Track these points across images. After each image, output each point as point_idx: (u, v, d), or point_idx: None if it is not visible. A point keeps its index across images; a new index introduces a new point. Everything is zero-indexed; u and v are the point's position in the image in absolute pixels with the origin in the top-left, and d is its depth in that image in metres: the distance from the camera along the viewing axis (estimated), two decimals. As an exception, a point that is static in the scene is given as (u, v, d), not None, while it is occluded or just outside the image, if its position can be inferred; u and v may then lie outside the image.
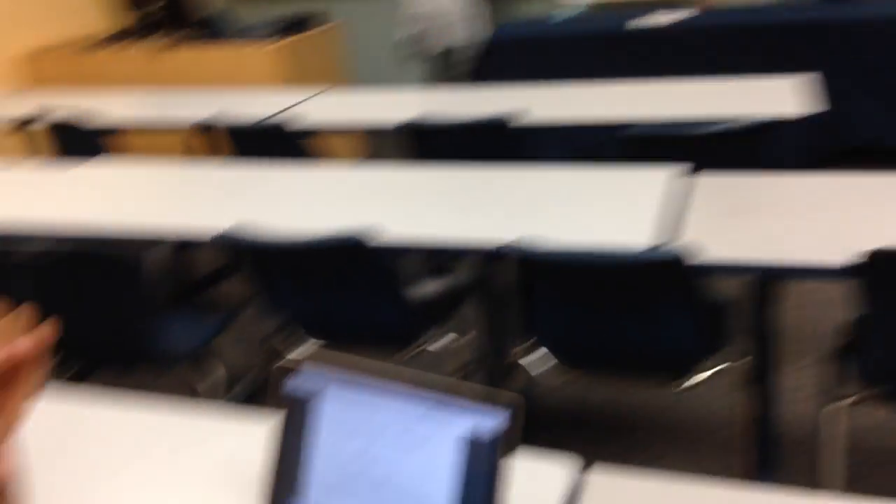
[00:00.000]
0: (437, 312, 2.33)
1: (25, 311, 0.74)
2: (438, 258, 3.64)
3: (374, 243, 1.98)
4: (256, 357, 2.93)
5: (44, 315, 2.21)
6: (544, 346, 2.09)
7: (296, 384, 1.01)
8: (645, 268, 1.81)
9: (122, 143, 3.81)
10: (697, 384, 2.01)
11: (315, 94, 3.96)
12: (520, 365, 2.26)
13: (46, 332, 0.77)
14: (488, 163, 2.62)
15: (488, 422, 0.93)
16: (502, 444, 0.91)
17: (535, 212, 2.22)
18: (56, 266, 2.09)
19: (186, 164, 3.07)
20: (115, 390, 1.42)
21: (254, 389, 2.96)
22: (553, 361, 2.10)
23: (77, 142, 3.63)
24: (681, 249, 1.78)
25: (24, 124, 3.97)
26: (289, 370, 1.02)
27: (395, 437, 0.96)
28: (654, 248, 1.86)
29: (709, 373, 1.98)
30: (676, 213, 2.13)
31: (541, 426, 2.55)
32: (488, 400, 0.93)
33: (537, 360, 2.11)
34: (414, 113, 3.18)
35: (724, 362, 2.01)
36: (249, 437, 1.25)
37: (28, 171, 3.11)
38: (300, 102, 3.81)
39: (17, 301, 2.17)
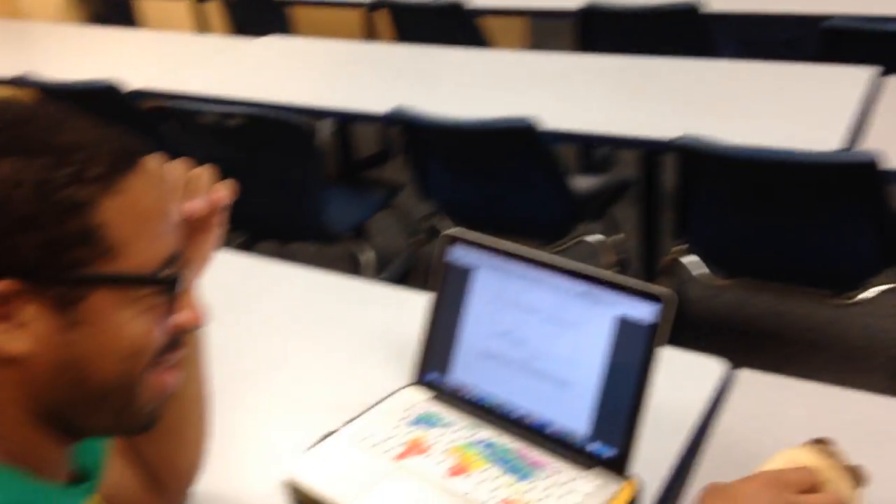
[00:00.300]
0: (593, 208, 2.31)
1: (209, 169, 0.80)
2: (598, 152, 3.58)
3: (540, 129, 1.97)
4: (409, 239, 3.03)
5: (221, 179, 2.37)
6: (698, 251, 2.04)
7: (458, 254, 1.05)
8: (833, 170, 1.70)
9: (300, 19, 3.92)
10: (865, 301, 1.91)
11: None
12: (672, 268, 2.22)
13: (229, 187, 0.83)
14: (667, 56, 2.51)
15: (642, 309, 0.93)
16: (655, 332, 0.91)
17: (709, 108, 2.13)
18: (234, 131, 2.22)
19: (359, 43, 3.13)
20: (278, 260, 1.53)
21: (406, 270, 3.08)
22: (706, 267, 2.05)
23: (257, 15, 3.78)
24: (872, 154, 1.65)
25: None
26: (454, 239, 1.05)
27: (549, 314, 0.99)
28: (843, 151, 1.75)
29: (880, 289, 1.88)
30: (865, 116, 1.98)
31: (692, 332, 2.51)
32: (642, 291, 0.93)
33: (691, 265, 2.07)
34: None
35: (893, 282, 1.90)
36: (403, 311, 1.31)
37: (211, 42, 3.29)
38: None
39: (206, 159, 2.33)
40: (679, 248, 2.07)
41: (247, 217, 2.47)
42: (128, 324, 0.62)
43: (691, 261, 2.05)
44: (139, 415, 0.66)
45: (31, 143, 0.58)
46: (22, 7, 4.06)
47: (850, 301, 1.91)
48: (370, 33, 4.11)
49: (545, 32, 5.44)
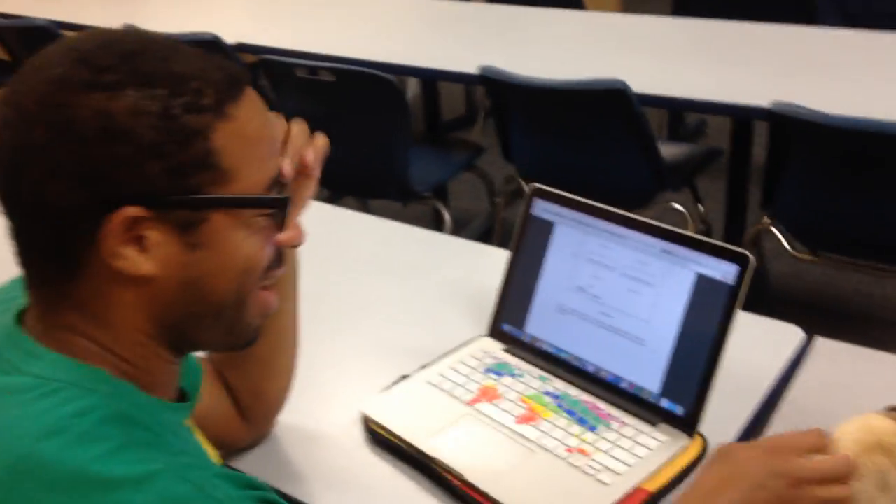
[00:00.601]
0: (679, 176, 2.28)
1: (303, 123, 0.84)
2: (689, 122, 3.50)
3: (633, 93, 1.95)
4: (490, 201, 3.05)
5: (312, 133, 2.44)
6: (784, 224, 1.99)
7: (541, 208, 1.07)
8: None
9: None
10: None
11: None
12: (757, 241, 2.18)
13: (325, 140, 0.87)
14: (765, 22, 2.43)
15: (723, 269, 0.93)
16: (735, 293, 0.92)
17: (806, 76, 2.06)
18: (326, 86, 2.28)
19: (450, 3, 3.14)
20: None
21: (485, 231, 3.11)
22: (792, 240, 2.01)
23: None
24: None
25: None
26: (540, 193, 1.08)
27: (627, 270, 1.00)
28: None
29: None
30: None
31: (774, 307, 2.47)
32: (724, 251, 0.94)
33: (778, 239, 2.03)
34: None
35: None
36: (481, 265, 1.34)
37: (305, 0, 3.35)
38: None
39: (299, 112, 2.40)
40: (765, 220, 2.03)
41: (332, 172, 2.53)
42: (242, 243, 0.66)
43: (777, 235, 2.01)
44: (247, 330, 0.72)
45: (147, 74, 0.61)
46: None
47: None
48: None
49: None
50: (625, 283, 1.00)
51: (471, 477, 0.90)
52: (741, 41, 2.35)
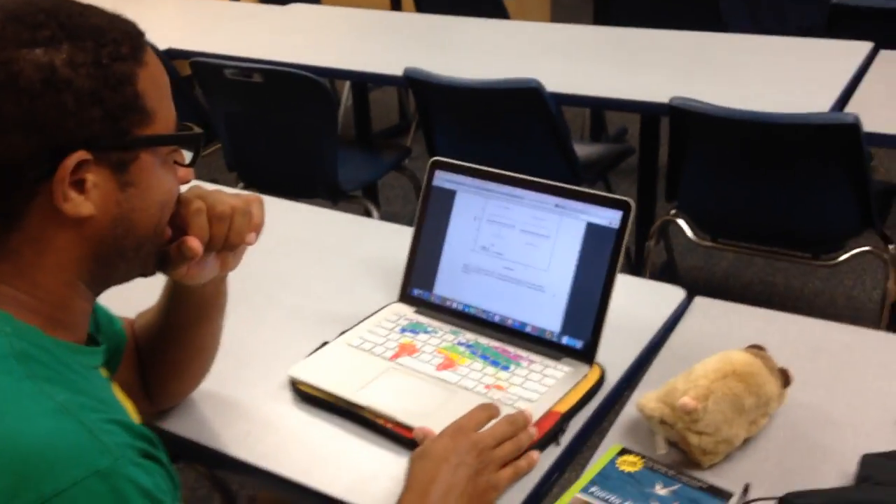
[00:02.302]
0: (593, 172, 2.42)
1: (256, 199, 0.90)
2: (612, 128, 3.67)
3: (547, 92, 2.07)
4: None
5: (240, 134, 2.50)
6: (687, 213, 2.14)
7: (442, 178, 1.17)
8: (815, 130, 1.79)
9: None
10: (839, 263, 2.01)
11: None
12: (664, 232, 2.32)
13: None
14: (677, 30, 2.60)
15: (608, 216, 1.05)
16: (619, 235, 1.04)
17: (709, 77, 2.22)
18: (256, 86, 2.34)
19: (379, 12, 3.25)
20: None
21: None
22: (696, 229, 2.16)
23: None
24: (854, 115, 1.74)
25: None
26: (439, 164, 1.17)
27: (525, 227, 1.11)
28: (830, 113, 1.84)
29: (853, 252, 1.97)
30: (855, 86, 2.08)
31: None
32: (607, 199, 1.05)
33: (681, 227, 2.17)
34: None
35: (869, 245, 1.99)
36: (395, 242, 1.41)
37: (240, 8, 3.41)
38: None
39: (229, 114, 2.46)
40: (671, 212, 2.17)
41: (262, 172, 2.60)
42: (162, 179, 0.74)
43: (681, 224, 2.16)
44: (157, 259, 0.79)
45: (75, 28, 0.68)
46: None
47: (832, 263, 2.00)
48: (395, 5, 4.22)
49: (566, 8, 5.53)
50: (524, 238, 1.11)
51: (402, 417, 0.98)
52: (651, 46, 2.51)
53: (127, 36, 0.71)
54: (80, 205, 0.68)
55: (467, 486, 0.85)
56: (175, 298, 0.94)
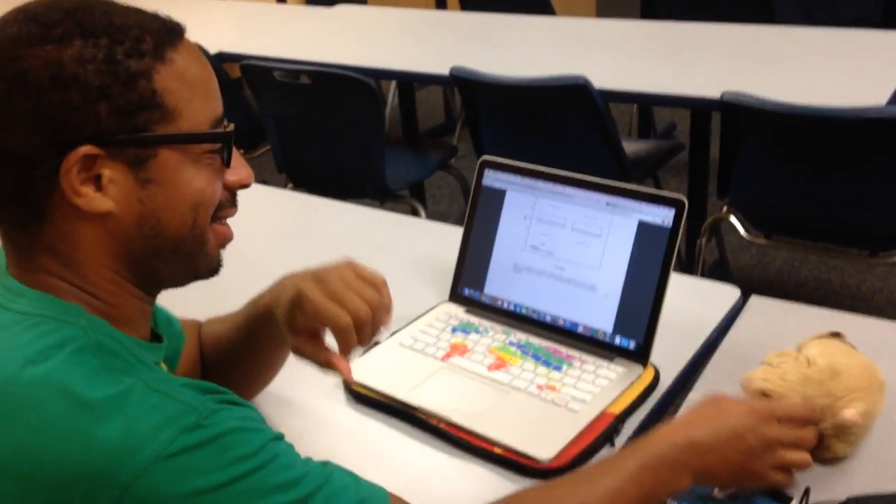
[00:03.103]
0: (642, 169, 2.39)
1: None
2: (660, 124, 3.63)
3: (595, 89, 2.06)
4: (466, 200, 3.14)
5: (289, 135, 2.53)
6: (739, 210, 2.10)
7: (492, 177, 1.17)
8: (875, 125, 1.74)
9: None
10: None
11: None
12: (716, 230, 2.29)
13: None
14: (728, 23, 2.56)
15: (661, 213, 1.04)
16: (673, 234, 1.03)
17: (761, 71, 2.17)
18: (304, 87, 2.37)
19: (425, 11, 3.26)
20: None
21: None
22: (748, 226, 2.12)
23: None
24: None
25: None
26: (489, 164, 1.17)
27: (576, 226, 1.10)
28: (887, 107, 1.79)
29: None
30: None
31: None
32: (659, 197, 1.04)
33: (733, 224, 2.14)
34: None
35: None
36: (445, 242, 1.42)
37: (288, 10, 3.45)
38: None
39: (279, 115, 2.49)
40: (722, 209, 2.14)
41: (310, 172, 2.63)
42: (192, 179, 0.74)
43: (733, 221, 2.12)
44: (206, 261, 0.79)
45: (91, 26, 0.69)
46: None
47: (890, 260, 1.95)
48: (440, 4, 4.23)
49: (612, 3, 5.46)
50: (575, 238, 1.10)
51: (455, 418, 0.99)
52: (701, 40, 2.47)
53: (153, 33, 0.71)
54: (96, 200, 0.70)
55: (741, 466, 0.83)
56: (264, 323, 0.97)
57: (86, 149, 0.68)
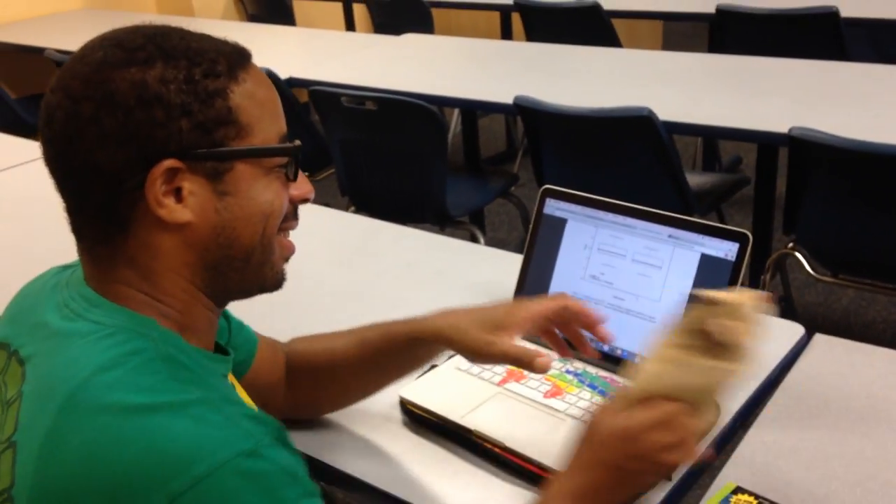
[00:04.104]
0: (705, 203, 2.36)
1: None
2: (725, 157, 3.59)
3: (660, 121, 2.05)
4: (526, 228, 3.14)
5: (354, 159, 2.57)
6: (805, 247, 2.06)
7: (555, 206, 1.17)
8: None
9: (440, 21, 4.12)
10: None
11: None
12: (781, 266, 2.24)
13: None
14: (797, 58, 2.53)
15: (724, 247, 1.03)
16: (735, 268, 1.02)
17: (830, 107, 2.13)
18: (370, 114, 2.42)
19: (490, 41, 3.29)
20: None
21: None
22: (813, 263, 2.07)
23: (401, 16, 4.00)
24: None
25: (352, 0, 4.44)
26: (551, 193, 1.18)
27: (636, 257, 1.10)
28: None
29: None
30: None
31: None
32: (722, 231, 1.03)
33: (799, 261, 2.09)
34: (710, 4, 3.11)
35: None
36: (505, 269, 1.42)
37: (356, 38, 3.53)
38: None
39: (344, 140, 2.54)
40: (788, 246, 2.10)
41: (372, 196, 2.67)
42: (264, 190, 0.78)
43: (799, 258, 2.08)
44: (272, 272, 0.82)
45: (171, 49, 0.74)
46: (194, 6, 4.57)
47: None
48: (505, 34, 4.27)
49: (678, 36, 5.45)
50: (635, 269, 1.10)
51: (510, 443, 0.99)
52: (769, 75, 2.44)
53: (225, 56, 0.76)
54: (177, 211, 0.74)
55: (632, 484, 0.85)
56: (408, 346, 1.01)
57: (169, 162, 0.72)
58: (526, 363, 0.91)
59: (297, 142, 0.81)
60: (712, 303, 0.80)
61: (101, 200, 0.74)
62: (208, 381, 0.73)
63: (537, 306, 0.95)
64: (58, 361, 0.72)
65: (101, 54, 0.73)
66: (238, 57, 0.77)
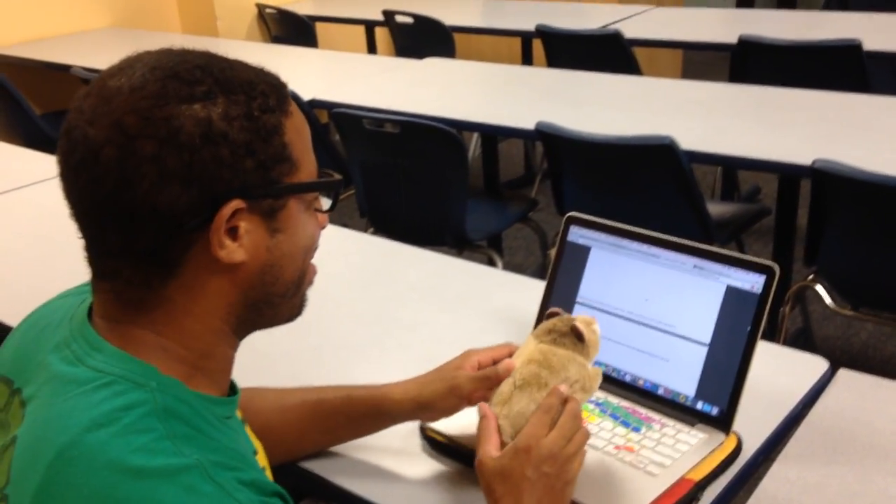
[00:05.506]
0: (725, 232, 2.35)
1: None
2: (745, 187, 3.57)
3: (681, 150, 2.05)
4: (544, 253, 3.14)
5: (374, 181, 2.58)
6: (827, 279, 2.05)
7: (577, 234, 1.17)
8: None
9: (462, 46, 4.15)
10: None
11: (641, 11, 3.99)
12: (801, 297, 2.22)
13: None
14: (821, 90, 2.52)
15: (751, 279, 1.02)
16: (762, 301, 1.00)
17: (854, 139, 2.12)
18: (391, 136, 2.43)
19: (511, 66, 3.31)
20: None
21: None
22: (833, 295, 2.06)
23: (422, 41, 4.03)
24: None
25: (374, 24, 4.48)
26: (575, 220, 1.18)
27: (661, 286, 1.09)
28: None
29: None
30: None
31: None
32: (750, 263, 1.02)
33: (819, 293, 2.08)
34: (732, 33, 3.12)
35: None
36: (526, 294, 1.42)
37: (377, 61, 3.56)
38: (625, 18, 3.88)
39: (365, 162, 2.56)
40: (808, 278, 2.08)
41: (391, 218, 2.67)
42: (307, 224, 0.77)
43: (819, 290, 2.06)
44: (301, 302, 0.81)
45: (227, 82, 0.70)
46: (219, 28, 4.63)
47: None
48: (526, 60, 4.29)
49: (698, 65, 5.46)
50: (659, 298, 1.09)
51: None
52: (791, 106, 2.44)
53: (273, 88, 0.73)
54: (234, 251, 0.71)
55: (549, 495, 0.84)
56: (378, 415, 1.02)
57: (235, 203, 0.69)
58: (494, 380, 0.94)
59: (338, 175, 0.79)
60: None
61: (152, 243, 0.69)
62: (207, 435, 0.69)
63: (484, 353, 0.99)
64: (52, 413, 0.69)
65: (158, 87, 0.68)
66: (283, 90, 0.75)
